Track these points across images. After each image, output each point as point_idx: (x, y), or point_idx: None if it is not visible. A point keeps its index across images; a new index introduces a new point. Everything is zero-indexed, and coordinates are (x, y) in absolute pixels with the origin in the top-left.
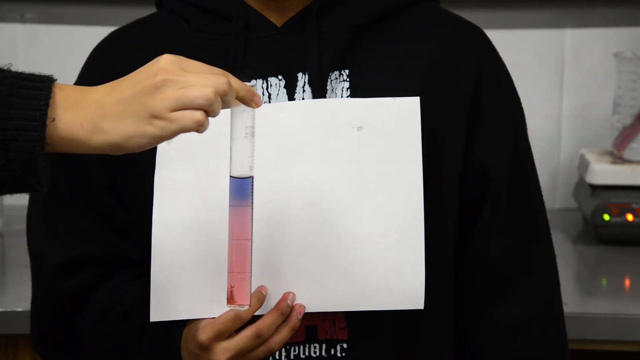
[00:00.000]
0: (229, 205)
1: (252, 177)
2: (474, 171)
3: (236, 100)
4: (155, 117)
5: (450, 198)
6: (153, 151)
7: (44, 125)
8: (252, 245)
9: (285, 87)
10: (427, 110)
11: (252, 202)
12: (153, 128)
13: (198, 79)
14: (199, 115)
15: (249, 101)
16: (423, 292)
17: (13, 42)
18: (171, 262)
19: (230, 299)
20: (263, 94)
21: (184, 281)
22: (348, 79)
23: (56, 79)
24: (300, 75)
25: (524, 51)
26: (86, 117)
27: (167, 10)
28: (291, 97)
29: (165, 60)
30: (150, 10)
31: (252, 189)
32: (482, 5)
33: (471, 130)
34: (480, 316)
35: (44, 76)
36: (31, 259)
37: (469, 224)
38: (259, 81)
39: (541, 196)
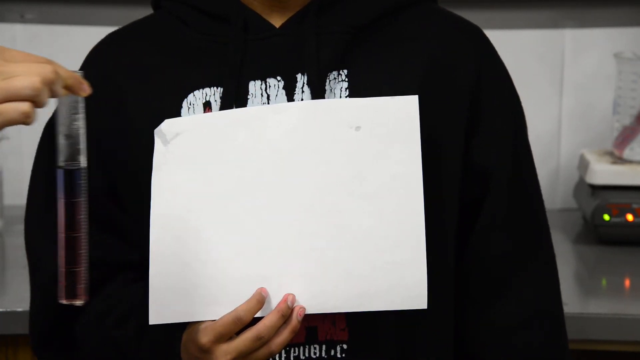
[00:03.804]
0: (57, 198)
1: (82, 169)
2: (473, 171)
3: (64, 90)
4: None
5: (450, 198)
6: (150, 153)
7: None
8: (86, 239)
9: (284, 87)
10: (426, 110)
11: (84, 195)
12: None
13: (23, 68)
14: (25, 106)
15: (77, 89)
16: (426, 292)
17: (13, 42)
18: (170, 265)
19: (64, 295)
20: (262, 95)
21: (183, 284)
22: (347, 79)
23: None
24: (299, 76)
25: (524, 51)
26: None
27: (165, 12)
28: (290, 98)
29: None
30: (151, 10)
31: (83, 180)
32: (483, 5)
33: (470, 130)
34: (480, 315)
35: None
36: (29, 264)
37: (469, 223)
38: (257, 82)
39: (540, 195)
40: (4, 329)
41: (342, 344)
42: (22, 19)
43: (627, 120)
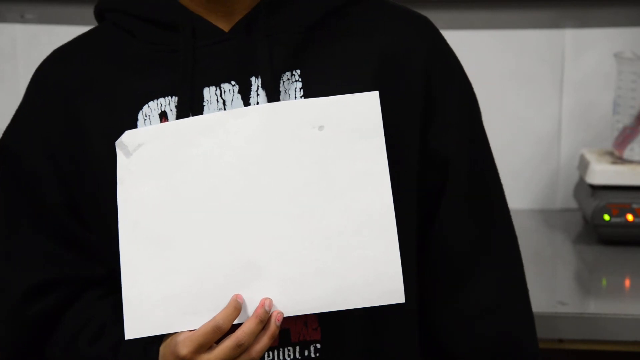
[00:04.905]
0: None
1: None
2: (431, 162)
3: None
4: None
5: (411, 190)
6: (112, 167)
7: None
8: None
9: (239, 92)
10: (382, 104)
11: None
12: None
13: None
14: None
15: None
16: (402, 286)
17: (13, 42)
18: (142, 277)
19: None
20: (217, 101)
21: (158, 295)
22: (300, 79)
23: None
24: (253, 79)
25: (524, 51)
26: None
27: (109, 24)
28: (246, 101)
29: None
30: None
31: None
32: (483, 5)
33: (426, 120)
34: (445, 304)
35: None
36: None
37: (430, 214)
38: (212, 88)
39: (498, 179)
40: None
41: (316, 344)
42: (22, 19)
43: (627, 120)
